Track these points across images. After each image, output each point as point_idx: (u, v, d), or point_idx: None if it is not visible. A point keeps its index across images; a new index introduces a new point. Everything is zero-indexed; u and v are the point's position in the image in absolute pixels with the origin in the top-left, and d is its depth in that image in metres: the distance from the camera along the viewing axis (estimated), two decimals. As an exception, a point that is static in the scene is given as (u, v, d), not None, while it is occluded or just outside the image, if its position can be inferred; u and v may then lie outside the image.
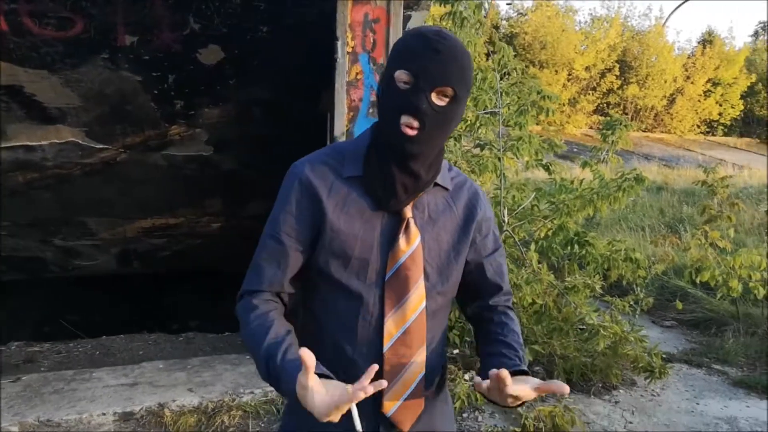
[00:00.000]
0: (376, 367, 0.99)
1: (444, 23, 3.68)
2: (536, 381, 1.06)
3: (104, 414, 3.08)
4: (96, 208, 5.64)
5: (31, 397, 3.22)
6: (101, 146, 4.85)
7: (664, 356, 3.86)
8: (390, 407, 1.18)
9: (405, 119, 1.09)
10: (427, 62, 1.07)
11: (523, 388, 1.04)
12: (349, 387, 0.97)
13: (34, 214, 5.52)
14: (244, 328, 1.18)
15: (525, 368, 1.15)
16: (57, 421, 3.00)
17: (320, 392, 0.97)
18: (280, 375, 1.06)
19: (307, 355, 0.94)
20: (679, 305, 4.91)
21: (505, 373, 1.01)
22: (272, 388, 3.26)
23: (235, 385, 3.42)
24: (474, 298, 1.33)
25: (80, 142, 4.76)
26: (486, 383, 1.06)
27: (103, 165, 5.07)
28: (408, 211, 1.18)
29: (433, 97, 1.09)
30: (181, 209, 6.00)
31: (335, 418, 0.97)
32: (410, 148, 1.12)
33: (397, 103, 1.10)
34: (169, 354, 4.28)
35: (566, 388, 1.01)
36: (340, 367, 1.15)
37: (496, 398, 1.07)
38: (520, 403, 1.06)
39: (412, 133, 1.10)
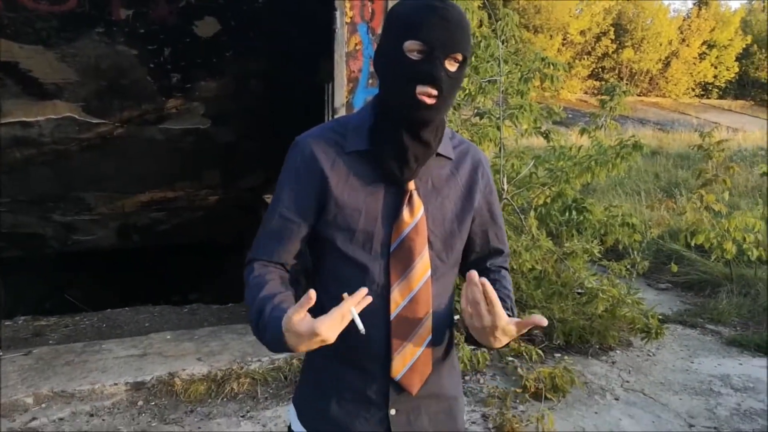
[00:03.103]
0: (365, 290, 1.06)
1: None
2: (516, 320, 1.09)
3: (116, 384, 3.16)
4: (94, 183, 5.64)
5: (44, 369, 3.29)
6: (98, 121, 4.83)
7: (660, 317, 3.96)
8: (399, 371, 1.21)
9: (422, 89, 1.11)
10: (439, 31, 1.09)
11: (505, 318, 1.06)
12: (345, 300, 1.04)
13: (33, 191, 5.52)
14: (245, 290, 1.21)
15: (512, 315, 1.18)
16: (70, 392, 3.07)
17: (310, 318, 1.01)
18: (267, 325, 1.07)
19: (312, 295, 0.99)
20: (674, 268, 5.02)
21: (478, 277, 1.05)
22: (279, 356, 3.33)
23: (242, 354, 3.50)
24: (475, 262, 1.37)
25: (77, 117, 4.74)
26: (468, 309, 1.09)
27: (101, 140, 5.06)
28: (411, 183, 1.20)
29: (447, 63, 1.11)
30: (179, 183, 6.01)
31: (333, 331, 1.02)
32: (429, 116, 1.14)
33: (410, 73, 1.11)
34: (176, 325, 4.34)
35: (544, 321, 1.03)
36: (347, 333, 1.20)
37: (481, 337, 1.11)
38: (503, 343, 1.10)
39: (431, 101, 1.12)
